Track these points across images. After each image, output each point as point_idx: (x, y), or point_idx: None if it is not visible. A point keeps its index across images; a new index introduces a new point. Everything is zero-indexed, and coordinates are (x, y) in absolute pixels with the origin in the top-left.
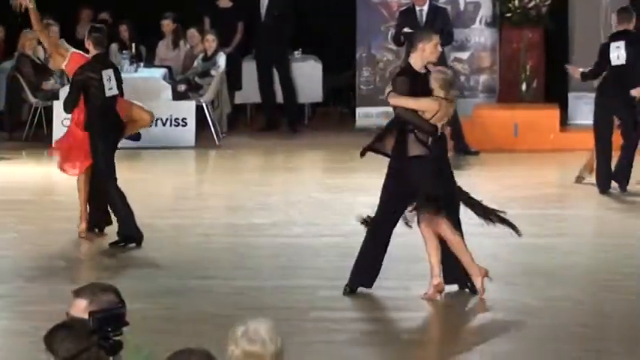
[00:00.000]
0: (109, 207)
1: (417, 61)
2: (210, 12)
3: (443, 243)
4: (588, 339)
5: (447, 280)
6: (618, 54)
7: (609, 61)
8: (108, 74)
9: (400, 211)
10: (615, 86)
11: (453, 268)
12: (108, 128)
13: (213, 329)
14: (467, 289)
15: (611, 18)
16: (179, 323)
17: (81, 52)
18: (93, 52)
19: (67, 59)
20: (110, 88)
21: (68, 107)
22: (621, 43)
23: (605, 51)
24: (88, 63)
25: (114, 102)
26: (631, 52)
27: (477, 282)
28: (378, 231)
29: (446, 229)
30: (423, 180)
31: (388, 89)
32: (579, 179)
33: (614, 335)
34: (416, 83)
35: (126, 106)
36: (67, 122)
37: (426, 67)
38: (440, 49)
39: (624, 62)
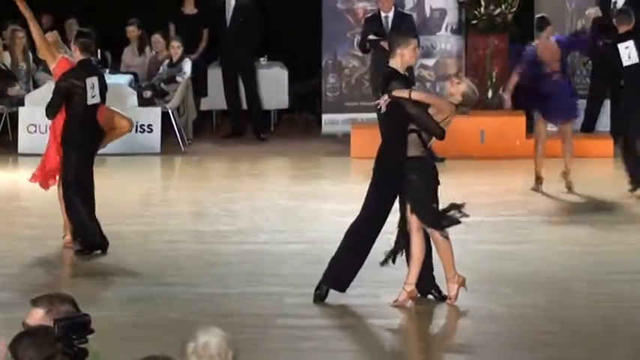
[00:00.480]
0: (66, 214)
1: (397, 66)
2: (176, 18)
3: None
4: (551, 346)
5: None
6: (629, 53)
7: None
8: (92, 82)
9: (388, 213)
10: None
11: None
12: (86, 138)
13: (179, 336)
14: (433, 297)
15: (577, 24)
16: (144, 330)
17: (69, 56)
18: (79, 57)
19: (56, 62)
20: (93, 96)
21: (50, 114)
22: (630, 43)
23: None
24: (73, 69)
25: (95, 110)
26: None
27: (452, 288)
28: (364, 233)
29: (436, 233)
30: (422, 186)
31: (385, 97)
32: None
33: (578, 343)
34: (408, 86)
35: (107, 114)
36: (33, 129)
37: (406, 70)
38: (419, 51)
39: (637, 61)
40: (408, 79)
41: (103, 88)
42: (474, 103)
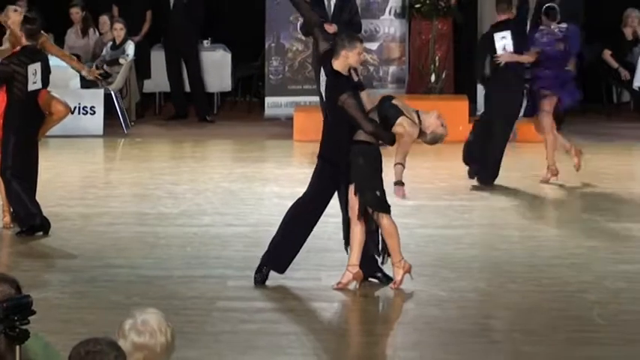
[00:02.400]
0: (5, 197)
1: (339, 66)
2: (119, 0)
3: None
4: (492, 330)
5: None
6: (505, 44)
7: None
8: (34, 68)
9: (330, 196)
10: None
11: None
12: (25, 123)
13: (120, 318)
14: (378, 279)
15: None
16: (85, 312)
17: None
18: (24, 43)
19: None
20: (34, 82)
21: None
22: (507, 33)
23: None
24: (16, 55)
25: (36, 95)
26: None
27: (397, 273)
28: (306, 215)
29: (384, 217)
30: (368, 170)
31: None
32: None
33: (519, 327)
34: (352, 88)
35: (46, 97)
36: None
37: (349, 70)
38: (364, 56)
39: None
40: (350, 81)
41: (46, 71)
42: (432, 144)
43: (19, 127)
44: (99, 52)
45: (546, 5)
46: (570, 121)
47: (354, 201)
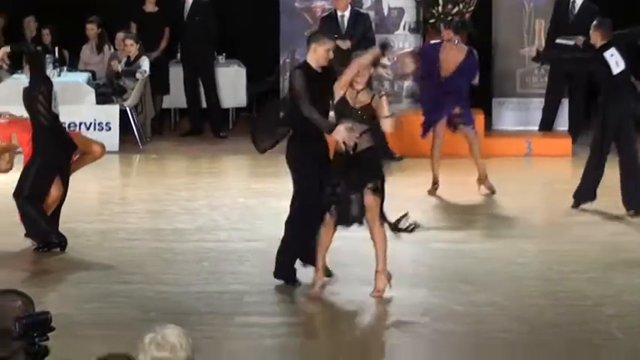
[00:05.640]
0: (20, 219)
1: (311, 60)
2: (137, 16)
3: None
4: (510, 345)
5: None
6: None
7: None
8: (54, 93)
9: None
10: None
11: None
12: (53, 148)
13: (138, 334)
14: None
15: (534, 24)
16: (103, 328)
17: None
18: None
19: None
20: (55, 107)
21: None
22: (613, 51)
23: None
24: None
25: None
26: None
27: (381, 280)
28: (310, 219)
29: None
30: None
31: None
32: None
33: (536, 342)
34: (310, 79)
35: (81, 139)
36: None
37: (323, 68)
38: (331, 55)
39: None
40: (311, 74)
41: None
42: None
43: (46, 150)
44: (113, 68)
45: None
46: (585, 134)
47: (372, 204)
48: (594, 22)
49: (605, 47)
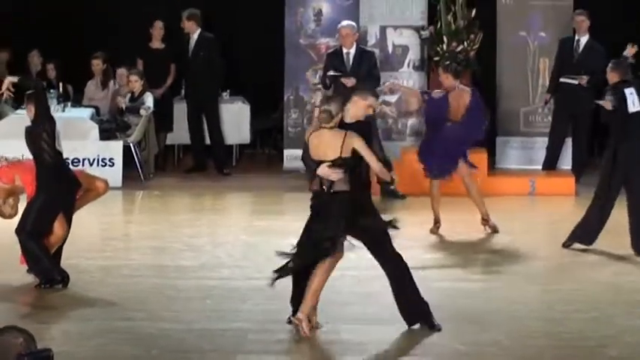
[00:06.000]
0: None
1: (347, 113)
2: (143, 53)
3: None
4: None
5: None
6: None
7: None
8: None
9: None
10: None
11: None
12: (56, 186)
13: None
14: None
15: (539, 62)
16: None
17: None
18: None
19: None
20: (59, 145)
21: None
22: (632, 89)
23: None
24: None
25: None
26: None
27: (303, 324)
28: None
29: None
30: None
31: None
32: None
33: None
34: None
35: (85, 177)
36: None
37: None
38: (370, 111)
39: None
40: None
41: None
42: None
43: (50, 187)
44: (117, 104)
45: None
46: (589, 173)
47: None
48: (611, 64)
49: (626, 84)
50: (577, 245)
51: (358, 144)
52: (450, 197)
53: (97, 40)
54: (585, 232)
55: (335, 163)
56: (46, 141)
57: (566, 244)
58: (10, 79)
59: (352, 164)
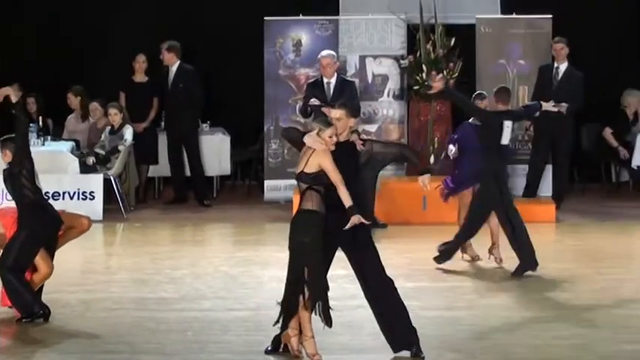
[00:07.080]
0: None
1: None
2: (126, 86)
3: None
4: None
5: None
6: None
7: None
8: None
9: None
10: None
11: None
12: (38, 222)
13: None
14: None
15: (518, 90)
16: None
17: None
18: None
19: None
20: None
21: None
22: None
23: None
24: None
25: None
26: None
27: (293, 343)
28: None
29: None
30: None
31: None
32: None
33: None
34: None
35: (67, 215)
36: None
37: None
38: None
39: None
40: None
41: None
42: None
43: (31, 223)
44: (94, 138)
45: None
46: (569, 200)
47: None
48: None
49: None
50: (556, 271)
51: (325, 164)
52: (439, 226)
53: (78, 73)
54: (527, 260)
55: (295, 176)
56: (26, 177)
57: (515, 275)
58: (13, 93)
59: (312, 182)
